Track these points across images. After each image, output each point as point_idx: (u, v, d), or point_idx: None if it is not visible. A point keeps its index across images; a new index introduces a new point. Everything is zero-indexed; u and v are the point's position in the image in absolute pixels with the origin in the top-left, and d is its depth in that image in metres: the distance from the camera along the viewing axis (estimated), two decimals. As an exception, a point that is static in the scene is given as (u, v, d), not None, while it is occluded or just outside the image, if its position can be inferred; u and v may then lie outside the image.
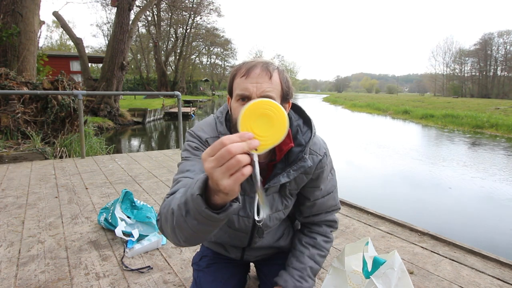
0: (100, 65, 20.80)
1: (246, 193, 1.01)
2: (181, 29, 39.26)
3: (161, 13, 35.60)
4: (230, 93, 0.93)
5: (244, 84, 0.86)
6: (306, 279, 1.10)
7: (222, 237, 1.16)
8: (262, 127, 0.63)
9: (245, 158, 0.54)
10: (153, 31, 35.67)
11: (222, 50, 52.58)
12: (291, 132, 0.99)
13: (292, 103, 1.00)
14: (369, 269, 1.10)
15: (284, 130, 0.63)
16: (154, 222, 2.09)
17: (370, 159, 8.76)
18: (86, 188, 3.08)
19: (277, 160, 0.98)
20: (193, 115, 20.36)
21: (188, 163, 0.94)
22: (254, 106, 0.63)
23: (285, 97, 0.92)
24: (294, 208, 1.16)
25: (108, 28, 38.31)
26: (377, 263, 1.07)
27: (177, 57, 40.14)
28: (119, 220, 2.02)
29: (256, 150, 0.58)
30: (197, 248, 1.93)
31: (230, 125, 0.98)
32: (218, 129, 1.00)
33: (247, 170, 0.55)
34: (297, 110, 1.06)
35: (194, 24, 39.78)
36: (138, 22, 21.86)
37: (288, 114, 0.97)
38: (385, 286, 0.99)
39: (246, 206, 1.02)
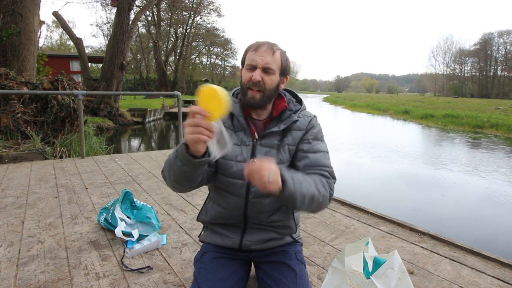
0: (100, 65, 20.81)
1: (243, 143, 1.18)
2: (181, 29, 39.24)
3: (161, 13, 35.58)
4: (242, 64, 1.19)
5: (253, 56, 1.12)
6: (296, 180, 1.02)
7: (219, 201, 1.22)
8: (213, 105, 0.89)
9: (204, 124, 0.87)
10: (153, 31, 35.65)
11: (222, 50, 52.53)
12: (286, 101, 1.24)
13: (287, 89, 1.27)
14: (370, 269, 1.09)
15: (225, 105, 0.89)
16: (154, 222, 2.09)
17: (381, 164, 8.13)
18: (86, 188, 3.08)
19: (273, 116, 1.21)
20: (193, 115, 20.31)
21: None
22: (206, 93, 0.89)
23: (283, 72, 1.17)
24: (290, 166, 1.21)
25: (108, 28, 38.30)
26: (377, 263, 1.07)
27: (177, 57, 40.12)
28: (119, 220, 2.02)
29: (211, 119, 0.88)
30: (197, 248, 1.93)
31: (238, 95, 1.23)
32: None
33: (201, 136, 0.88)
34: (291, 92, 1.31)
35: (194, 24, 39.76)
36: (138, 22, 21.87)
37: (284, 90, 1.27)
38: (385, 286, 0.99)
39: (243, 152, 1.17)
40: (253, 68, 1.12)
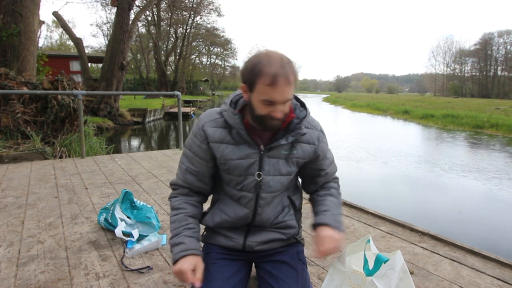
0: (100, 65, 20.80)
1: (248, 156, 1.14)
2: (181, 29, 39.25)
3: (161, 13, 35.58)
4: (250, 87, 1.03)
5: (270, 93, 0.99)
6: (337, 217, 1.20)
7: (227, 210, 1.22)
8: None
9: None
10: (153, 31, 35.65)
11: (222, 50, 52.56)
12: (292, 109, 1.16)
13: None
14: (370, 267, 1.09)
15: None
16: (154, 222, 2.08)
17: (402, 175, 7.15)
18: (86, 188, 3.08)
19: (282, 128, 1.14)
20: (193, 115, 20.37)
21: (187, 161, 1.20)
22: None
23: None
24: (310, 181, 1.31)
25: (108, 28, 38.29)
26: (379, 261, 1.07)
27: (177, 57, 40.12)
28: (119, 220, 2.01)
29: None
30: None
31: (235, 106, 1.15)
32: (221, 108, 1.15)
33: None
34: (294, 97, 1.24)
35: (194, 24, 39.77)
36: (138, 22, 21.87)
37: None
38: (386, 287, 0.99)
39: (250, 165, 1.15)
40: (271, 103, 1.01)
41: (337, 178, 1.35)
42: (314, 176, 1.29)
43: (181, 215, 1.15)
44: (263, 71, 0.98)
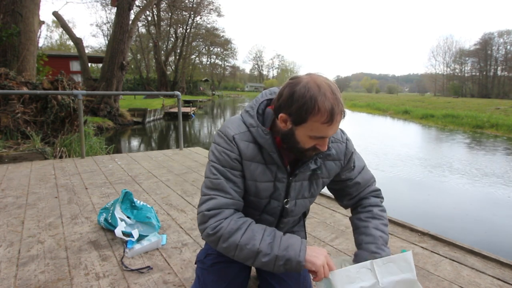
0: (100, 65, 20.80)
1: (278, 179, 1.07)
2: (181, 29, 39.30)
3: (161, 13, 35.61)
4: (296, 121, 0.93)
5: (325, 131, 0.93)
6: (382, 248, 1.09)
7: None
8: None
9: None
10: (153, 31, 35.67)
11: (222, 50, 52.65)
12: None
13: None
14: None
15: None
16: (154, 222, 2.09)
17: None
18: (86, 188, 3.08)
19: None
20: (193, 115, 20.40)
21: (224, 183, 1.01)
22: None
23: None
24: (340, 194, 1.24)
25: (108, 28, 38.34)
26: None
27: (177, 57, 40.15)
28: (119, 220, 2.01)
29: None
30: (197, 248, 1.93)
31: (263, 118, 1.05)
32: (247, 121, 1.03)
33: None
34: None
35: (194, 24, 39.82)
36: (138, 22, 21.89)
37: None
38: (384, 275, 0.97)
39: (277, 189, 1.08)
40: (321, 138, 0.96)
41: (378, 190, 1.24)
42: (343, 187, 1.22)
43: (251, 226, 1.00)
44: (319, 109, 0.89)
